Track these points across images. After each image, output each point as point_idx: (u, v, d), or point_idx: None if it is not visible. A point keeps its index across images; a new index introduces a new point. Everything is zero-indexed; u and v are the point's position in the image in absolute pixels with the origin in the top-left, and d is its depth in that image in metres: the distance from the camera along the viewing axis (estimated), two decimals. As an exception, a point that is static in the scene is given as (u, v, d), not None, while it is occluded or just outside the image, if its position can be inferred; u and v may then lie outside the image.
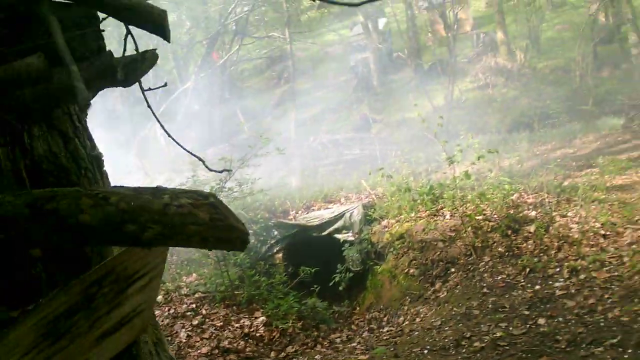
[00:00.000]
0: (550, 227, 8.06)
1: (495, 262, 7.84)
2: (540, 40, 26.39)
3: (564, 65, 23.60)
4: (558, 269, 7.11)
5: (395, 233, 9.88)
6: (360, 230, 10.85)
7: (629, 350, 4.94)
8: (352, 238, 10.87)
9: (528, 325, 5.93)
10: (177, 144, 2.24)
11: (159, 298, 8.19)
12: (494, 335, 5.83)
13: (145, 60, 2.12)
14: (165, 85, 2.06)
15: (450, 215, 9.48)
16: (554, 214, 8.43)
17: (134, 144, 21.98)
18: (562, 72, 23.41)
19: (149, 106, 2.04)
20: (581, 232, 7.67)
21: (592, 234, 7.58)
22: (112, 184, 2.54)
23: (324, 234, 11.26)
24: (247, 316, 8.15)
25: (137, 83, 2.08)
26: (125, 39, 1.85)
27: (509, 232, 8.34)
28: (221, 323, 7.72)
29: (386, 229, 10.31)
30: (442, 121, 10.86)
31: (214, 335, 7.31)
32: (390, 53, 29.24)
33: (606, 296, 6.17)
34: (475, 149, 10.33)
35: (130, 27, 1.96)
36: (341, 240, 10.91)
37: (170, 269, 9.88)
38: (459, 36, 25.69)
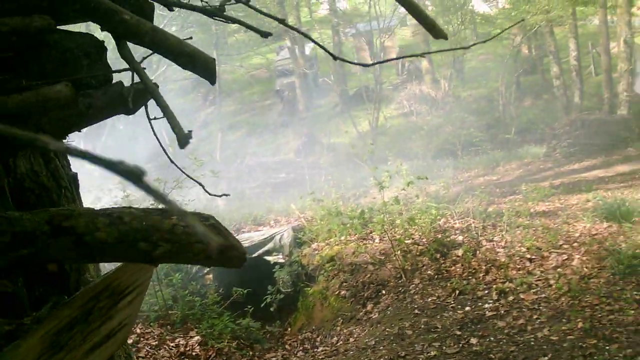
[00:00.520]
0: (478, 251, 8.49)
1: (425, 284, 8.18)
2: (465, 70, 27.34)
3: (487, 95, 24.58)
4: (487, 291, 7.51)
5: (326, 256, 10.08)
6: (291, 252, 10.98)
7: (560, 367, 5.34)
8: (283, 260, 10.98)
9: (461, 345, 6.25)
10: (184, 173, 2.36)
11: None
12: (429, 354, 6.11)
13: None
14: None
15: (380, 239, 9.80)
16: (480, 238, 8.88)
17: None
18: (485, 101, 24.37)
19: (155, 135, 2.17)
20: (508, 256, 8.13)
21: (518, 257, 8.05)
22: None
23: (254, 255, 11.31)
24: (182, 335, 8.13)
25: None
26: (132, 72, 1.98)
27: (438, 255, 8.72)
28: (156, 342, 7.67)
29: (316, 252, 10.50)
30: (371, 147, 11.22)
31: (149, 354, 7.25)
32: (316, 78, 29.69)
33: (535, 317, 6.58)
34: (403, 175, 10.72)
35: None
36: (272, 262, 11.01)
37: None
38: (385, 64, 26.37)
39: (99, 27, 1.89)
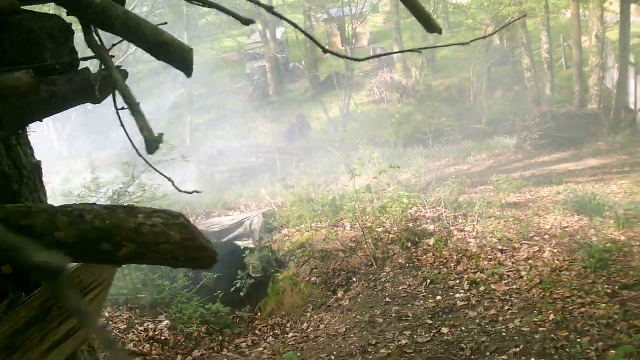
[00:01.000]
0: (449, 241, 8.50)
1: (397, 273, 8.16)
2: (436, 59, 27.36)
3: (459, 84, 24.67)
4: (458, 281, 7.51)
5: (297, 242, 10.03)
6: (261, 238, 10.92)
7: (532, 359, 5.33)
8: (253, 245, 10.91)
9: (432, 334, 6.23)
10: (151, 166, 2.23)
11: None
12: (400, 343, 6.08)
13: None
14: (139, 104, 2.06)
15: (351, 227, 9.76)
16: (452, 228, 8.89)
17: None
18: (456, 90, 24.47)
19: (122, 126, 2.04)
20: (479, 246, 8.15)
21: (489, 248, 8.07)
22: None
23: (224, 240, 11.20)
24: (151, 320, 8.02)
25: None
26: (100, 57, 1.83)
27: (409, 244, 8.71)
28: (125, 326, 7.55)
29: (287, 238, 10.45)
30: (343, 136, 11.13)
31: (118, 338, 7.14)
32: (287, 63, 29.49)
33: (506, 308, 6.59)
34: (375, 163, 10.67)
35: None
36: (242, 247, 10.91)
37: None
38: (356, 50, 26.29)
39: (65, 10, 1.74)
